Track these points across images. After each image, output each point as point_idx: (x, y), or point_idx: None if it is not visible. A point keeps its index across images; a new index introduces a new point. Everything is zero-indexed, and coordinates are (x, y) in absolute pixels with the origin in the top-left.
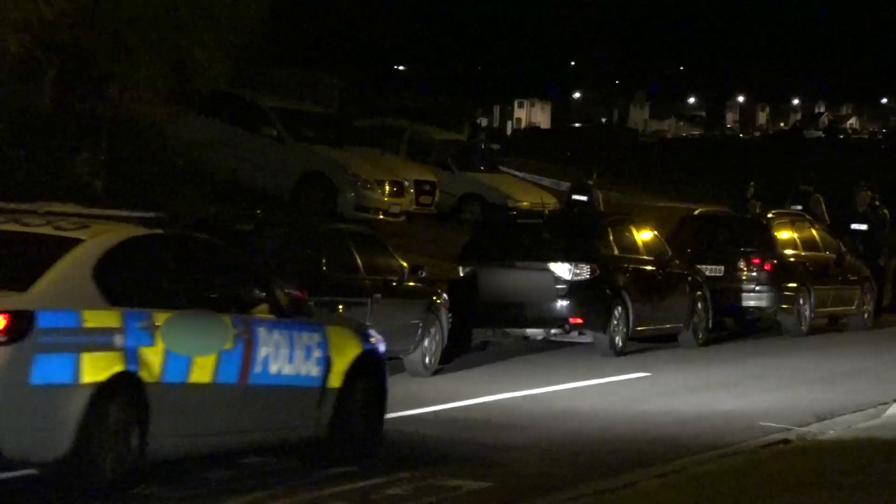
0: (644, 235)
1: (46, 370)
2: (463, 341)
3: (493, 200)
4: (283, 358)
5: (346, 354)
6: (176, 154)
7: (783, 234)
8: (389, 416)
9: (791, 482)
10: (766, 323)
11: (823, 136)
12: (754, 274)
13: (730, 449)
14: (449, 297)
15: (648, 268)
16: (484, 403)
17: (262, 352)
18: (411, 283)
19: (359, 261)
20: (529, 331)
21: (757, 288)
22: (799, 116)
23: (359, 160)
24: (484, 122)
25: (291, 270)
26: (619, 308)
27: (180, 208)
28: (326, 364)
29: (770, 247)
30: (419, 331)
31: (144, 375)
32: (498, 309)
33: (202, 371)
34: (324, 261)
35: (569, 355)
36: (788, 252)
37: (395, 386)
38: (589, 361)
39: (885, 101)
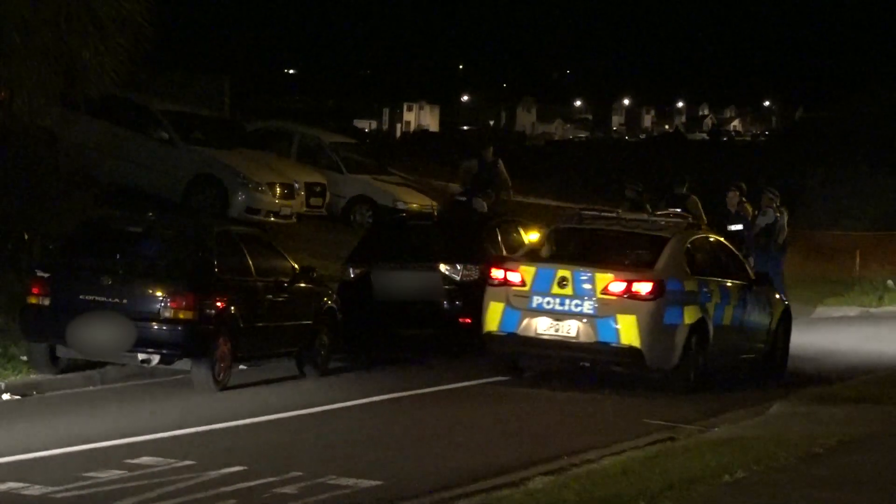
0: (532, 236)
1: (669, 316)
2: (353, 342)
3: (382, 203)
4: (755, 310)
5: (777, 308)
6: (66, 157)
7: None
8: (279, 416)
9: (676, 479)
10: None
11: (707, 138)
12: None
13: (616, 447)
14: (340, 298)
15: None
16: (369, 403)
17: (749, 306)
18: (302, 284)
19: (250, 262)
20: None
21: None
22: (683, 119)
23: (249, 163)
24: (373, 124)
25: (183, 272)
26: None
27: (71, 211)
28: (770, 314)
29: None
30: (310, 331)
31: (708, 320)
32: (390, 309)
33: (727, 317)
34: (215, 262)
35: (461, 356)
36: None
37: (284, 388)
38: (478, 363)
39: (767, 103)
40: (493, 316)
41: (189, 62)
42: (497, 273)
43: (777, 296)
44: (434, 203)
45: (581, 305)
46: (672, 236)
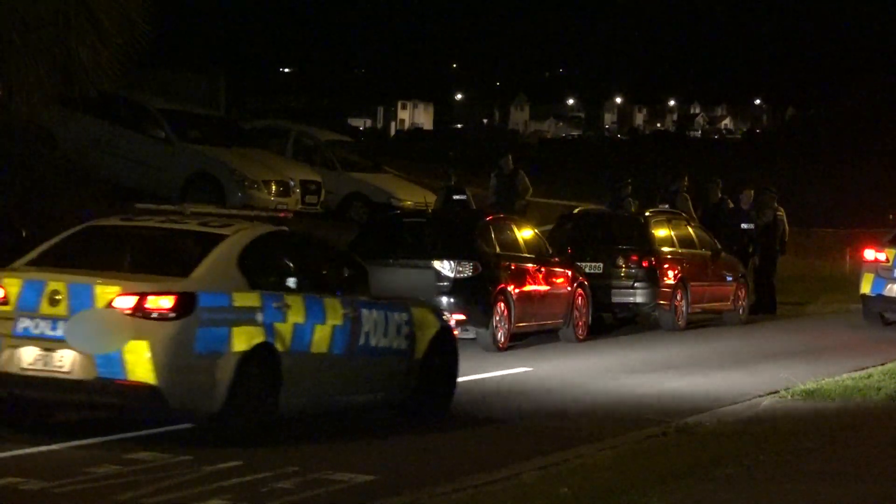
0: (525, 234)
1: None
2: None
3: (377, 200)
4: None
5: None
6: (64, 155)
7: (660, 232)
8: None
9: (667, 473)
10: (646, 318)
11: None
12: (632, 271)
13: (608, 441)
14: None
15: (529, 265)
16: None
17: None
18: None
19: None
20: None
21: (635, 284)
22: (675, 117)
23: (245, 161)
24: (368, 123)
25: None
26: (501, 304)
27: (68, 209)
28: None
29: (647, 244)
30: None
31: None
32: None
33: None
34: None
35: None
36: (665, 249)
37: None
38: (471, 357)
39: (757, 101)
40: (867, 283)
41: (186, 61)
42: (869, 254)
43: None
44: (429, 200)
45: None
46: None
